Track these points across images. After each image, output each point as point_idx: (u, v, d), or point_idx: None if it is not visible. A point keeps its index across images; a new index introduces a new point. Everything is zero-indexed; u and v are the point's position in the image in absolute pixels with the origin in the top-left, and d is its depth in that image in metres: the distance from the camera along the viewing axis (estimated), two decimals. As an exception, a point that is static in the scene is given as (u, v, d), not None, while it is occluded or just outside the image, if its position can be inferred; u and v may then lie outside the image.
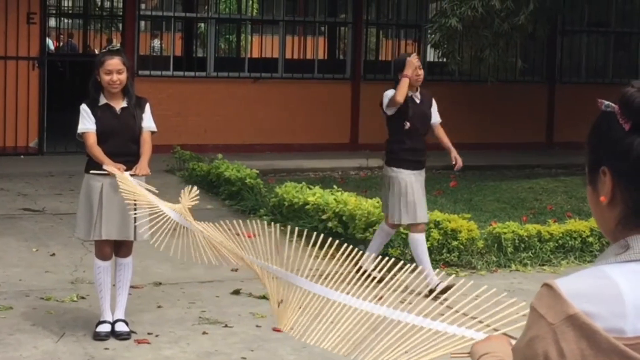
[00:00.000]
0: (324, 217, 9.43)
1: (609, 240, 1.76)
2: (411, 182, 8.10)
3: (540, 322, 1.63)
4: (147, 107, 6.78)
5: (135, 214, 5.71)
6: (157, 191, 5.58)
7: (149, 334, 6.74)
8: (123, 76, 6.61)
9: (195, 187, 4.95)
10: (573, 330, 1.58)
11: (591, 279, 1.65)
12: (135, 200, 5.62)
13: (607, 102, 1.75)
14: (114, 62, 6.58)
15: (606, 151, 1.73)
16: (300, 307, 3.30)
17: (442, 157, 15.91)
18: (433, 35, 14.72)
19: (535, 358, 1.61)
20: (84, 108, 6.66)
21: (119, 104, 6.69)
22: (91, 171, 6.58)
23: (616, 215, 1.72)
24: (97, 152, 6.53)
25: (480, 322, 2.73)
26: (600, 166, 1.73)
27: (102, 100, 6.67)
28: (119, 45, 7.15)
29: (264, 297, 7.69)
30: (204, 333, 6.80)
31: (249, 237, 3.98)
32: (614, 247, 1.71)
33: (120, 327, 6.67)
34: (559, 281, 1.65)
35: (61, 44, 26.90)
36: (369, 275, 3.30)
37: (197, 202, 4.84)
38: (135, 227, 6.39)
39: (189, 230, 4.47)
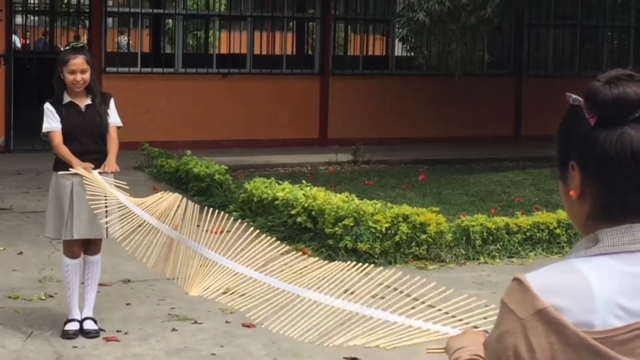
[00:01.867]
0: (293, 212, 9.41)
1: (580, 233, 1.75)
2: None
3: (510, 316, 1.62)
4: (112, 102, 6.74)
5: (106, 213, 5.66)
6: (127, 186, 5.55)
7: (117, 331, 6.71)
8: (87, 75, 6.56)
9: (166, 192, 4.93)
10: (542, 324, 1.58)
11: (561, 273, 1.65)
12: (105, 200, 5.58)
13: (574, 96, 1.75)
14: (78, 62, 6.52)
15: (573, 145, 1.72)
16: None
17: (410, 151, 16.00)
18: (401, 30, 14.75)
19: (505, 352, 1.61)
20: (47, 107, 6.60)
21: (84, 102, 6.64)
22: (59, 172, 6.51)
23: (586, 210, 1.72)
24: (64, 151, 6.47)
25: (447, 313, 2.73)
26: (569, 160, 1.73)
27: (66, 99, 6.62)
28: (82, 42, 7.07)
29: (231, 292, 7.67)
30: (174, 330, 6.78)
31: (216, 233, 3.96)
32: (584, 241, 1.71)
33: (89, 325, 6.63)
34: (529, 275, 1.65)
35: (27, 41, 26.70)
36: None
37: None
38: (106, 224, 6.34)
39: (154, 229, 4.44)
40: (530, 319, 1.59)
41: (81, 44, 6.86)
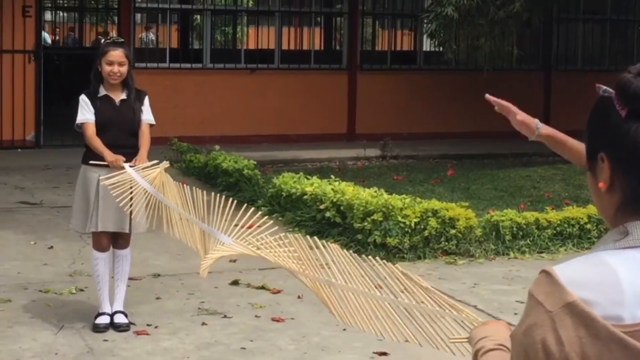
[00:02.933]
0: (321, 207, 9.42)
1: (609, 226, 1.75)
2: None
3: (538, 309, 1.62)
4: (146, 100, 6.79)
5: (131, 207, 5.71)
6: (157, 161, 5.64)
7: (148, 325, 6.75)
8: (124, 68, 6.62)
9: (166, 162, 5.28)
10: (571, 317, 1.58)
11: (589, 266, 1.65)
12: (131, 194, 5.63)
13: (604, 87, 1.74)
14: (117, 54, 6.58)
15: (604, 137, 1.72)
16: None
17: (438, 146, 15.97)
18: (429, 25, 14.73)
19: (533, 345, 1.61)
20: (83, 99, 6.66)
21: (119, 96, 6.69)
22: (90, 162, 6.56)
23: (615, 202, 1.72)
24: (97, 143, 6.53)
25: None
26: (598, 152, 1.72)
27: (102, 92, 6.68)
28: (122, 38, 7.14)
29: (263, 288, 7.71)
30: (203, 324, 6.81)
31: (248, 228, 4.00)
32: (612, 234, 1.70)
33: (119, 318, 6.67)
34: (557, 268, 1.64)
35: (57, 37, 26.85)
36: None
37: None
38: (130, 219, 6.38)
39: (184, 219, 4.48)
40: (559, 312, 1.59)
41: (121, 39, 6.94)
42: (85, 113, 6.63)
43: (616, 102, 1.70)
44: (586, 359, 1.57)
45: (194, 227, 4.40)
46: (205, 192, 4.35)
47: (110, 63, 6.57)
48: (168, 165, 5.50)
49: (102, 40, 7.40)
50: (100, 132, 6.58)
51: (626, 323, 1.58)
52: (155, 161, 5.96)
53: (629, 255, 1.64)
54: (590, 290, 1.60)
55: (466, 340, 2.21)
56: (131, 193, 5.65)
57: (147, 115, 6.75)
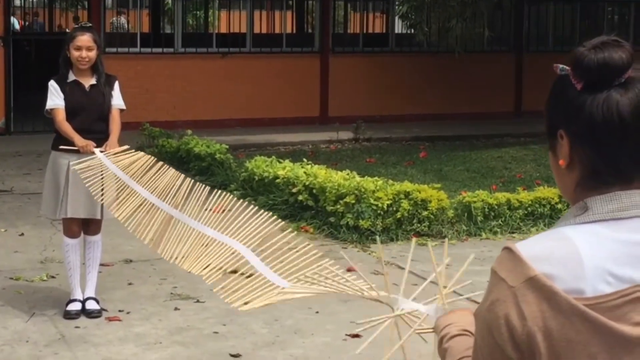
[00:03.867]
0: (294, 190, 9.42)
1: (569, 203, 1.76)
2: None
3: (500, 285, 1.63)
4: (117, 85, 6.75)
5: (102, 194, 5.69)
6: (129, 147, 5.65)
7: (120, 311, 6.73)
8: (93, 53, 6.57)
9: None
10: (533, 292, 1.59)
11: (550, 241, 1.65)
12: (102, 180, 5.63)
13: (561, 66, 1.75)
14: (85, 39, 6.54)
15: (561, 114, 1.73)
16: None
17: (411, 128, 15.99)
18: (401, 7, 14.73)
19: (496, 321, 1.62)
20: (52, 84, 6.62)
21: (88, 81, 6.65)
22: (60, 147, 6.52)
23: (575, 178, 1.73)
24: (67, 128, 6.49)
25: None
26: (557, 130, 1.73)
27: (71, 77, 6.63)
28: (90, 23, 7.11)
29: (235, 272, 7.68)
30: (176, 309, 6.79)
31: (217, 211, 4.00)
32: (573, 209, 1.71)
33: (91, 305, 6.64)
34: (519, 244, 1.65)
35: (26, 23, 26.63)
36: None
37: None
38: (102, 205, 6.35)
39: (154, 207, 4.47)
40: (521, 286, 1.60)
41: (89, 24, 6.90)
42: (55, 99, 6.58)
43: (572, 77, 1.70)
44: (548, 333, 1.57)
45: (159, 214, 4.39)
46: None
47: (79, 48, 6.53)
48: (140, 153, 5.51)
49: (79, 22, 7.41)
50: (70, 117, 6.55)
51: (587, 296, 1.59)
52: (126, 146, 5.98)
53: (589, 229, 1.65)
54: (551, 265, 1.60)
55: (432, 330, 2.22)
56: (102, 178, 5.63)
57: (117, 100, 6.71)
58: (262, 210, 3.81)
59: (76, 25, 6.91)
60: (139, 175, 5.14)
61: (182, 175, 4.88)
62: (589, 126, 1.67)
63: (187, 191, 4.45)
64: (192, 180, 4.66)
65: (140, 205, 4.83)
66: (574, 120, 1.70)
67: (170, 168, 5.07)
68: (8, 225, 9.17)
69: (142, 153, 5.49)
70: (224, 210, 4.04)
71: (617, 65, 1.67)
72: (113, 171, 5.49)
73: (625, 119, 1.65)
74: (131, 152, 5.67)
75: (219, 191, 4.44)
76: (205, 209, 4.24)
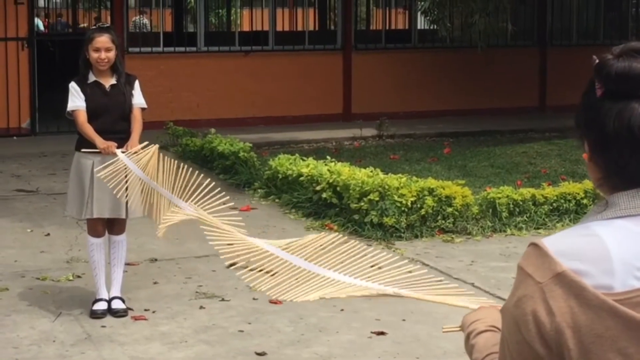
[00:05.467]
0: (318, 188, 9.41)
1: (599, 194, 1.76)
2: None
3: (527, 281, 1.61)
4: (137, 83, 6.76)
5: (126, 194, 5.70)
6: (147, 142, 5.69)
7: (145, 310, 6.74)
8: (111, 54, 6.58)
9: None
10: (561, 288, 1.57)
11: (578, 236, 1.64)
12: (126, 179, 5.65)
13: (598, 61, 1.73)
14: (103, 40, 6.55)
15: (584, 113, 1.72)
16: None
17: (435, 124, 15.95)
18: (423, 3, 14.68)
19: (524, 317, 1.60)
20: (73, 86, 6.64)
21: (108, 82, 6.66)
22: (82, 149, 6.56)
23: (598, 174, 1.72)
24: (88, 130, 6.51)
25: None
26: (581, 126, 1.73)
27: (92, 78, 6.65)
28: (108, 23, 7.14)
29: (261, 270, 7.68)
30: (201, 307, 6.80)
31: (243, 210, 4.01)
32: (596, 207, 1.71)
33: (117, 304, 6.66)
34: (546, 240, 1.64)
35: (51, 23, 26.70)
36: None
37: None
38: (127, 204, 6.36)
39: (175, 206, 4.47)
40: (549, 282, 1.58)
41: (107, 24, 6.92)
42: (76, 100, 6.60)
43: (596, 81, 1.69)
44: (577, 329, 1.56)
45: (180, 212, 4.39)
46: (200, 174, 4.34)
47: (97, 50, 6.54)
48: (157, 147, 5.53)
49: (100, 22, 7.42)
50: (91, 118, 6.56)
51: (617, 291, 1.57)
52: (145, 142, 6.01)
53: (616, 224, 1.64)
54: (579, 260, 1.59)
55: (459, 329, 2.20)
56: (126, 180, 5.65)
57: (138, 99, 6.72)
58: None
59: (94, 26, 6.92)
60: (158, 173, 5.15)
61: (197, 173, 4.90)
62: (600, 134, 1.67)
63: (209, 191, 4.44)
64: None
65: (162, 205, 4.83)
66: (590, 124, 1.69)
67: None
68: (34, 226, 9.20)
69: (154, 148, 5.51)
70: (249, 209, 4.05)
71: (637, 76, 1.64)
72: (136, 173, 5.50)
73: (635, 134, 1.63)
74: (148, 149, 5.70)
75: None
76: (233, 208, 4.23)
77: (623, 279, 1.58)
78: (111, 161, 5.99)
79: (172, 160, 5.09)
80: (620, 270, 1.58)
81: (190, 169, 5.04)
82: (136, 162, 5.56)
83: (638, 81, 1.64)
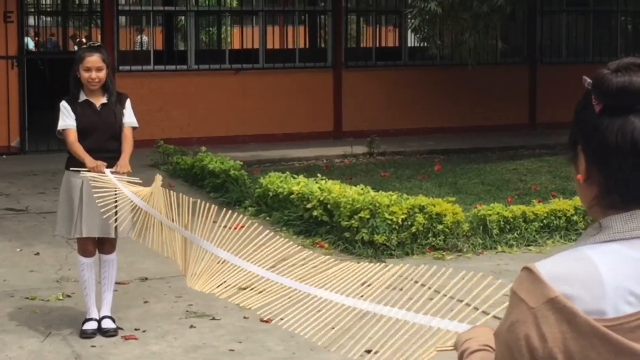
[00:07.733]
0: (308, 206, 9.40)
1: (590, 217, 1.74)
2: None
3: (520, 306, 1.61)
4: (128, 102, 6.75)
5: (116, 213, 5.69)
6: (141, 181, 5.63)
7: (136, 329, 6.71)
8: (102, 74, 6.57)
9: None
10: (554, 313, 1.57)
11: (570, 260, 1.63)
12: (115, 199, 5.64)
13: (589, 80, 1.73)
14: (93, 59, 6.54)
15: (581, 130, 1.71)
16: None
17: (425, 141, 15.96)
18: (413, 20, 14.70)
19: (516, 342, 1.60)
20: (63, 105, 6.63)
21: (99, 100, 6.65)
22: (71, 168, 6.54)
23: (592, 193, 1.71)
24: (78, 149, 6.50)
25: (468, 304, 2.72)
26: (577, 144, 1.72)
27: (82, 97, 6.64)
28: (98, 42, 7.13)
29: (251, 289, 7.66)
30: (191, 327, 6.77)
31: (235, 228, 4.00)
32: (589, 229, 1.70)
33: (107, 324, 6.63)
34: (539, 264, 1.63)
35: (41, 41, 26.73)
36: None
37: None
38: (116, 224, 6.34)
39: (167, 227, 4.46)
40: (542, 307, 1.58)
41: (97, 43, 6.91)
42: (66, 119, 6.59)
43: (593, 97, 1.68)
44: (569, 355, 1.55)
45: (175, 235, 4.38)
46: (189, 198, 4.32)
47: (88, 69, 6.53)
48: (161, 180, 5.49)
49: (77, 40, 7.40)
50: (82, 137, 6.55)
51: (609, 317, 1.56)
52: (137, 179, 5.97)
53: (608, 248, 1.63)
54: (572, 285, 1.58)
55: (452, 349, 2.19)
56: (115, 199, 5.65)
57: (129, 119, 6.71)
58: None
59: (84, 46, 6.91)
60: (153, 199, 5.14)
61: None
62: (602, 149, 1.66)
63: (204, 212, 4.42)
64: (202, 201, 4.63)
65: (152, 226, 4.82)
66: (589, 140, 1.68)
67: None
68: (23, 245, 9.17)
69: (159, 181, 5.46)
70: (238, 227, 4.04)
71: (637, 90, 1.64)
72: (125, 192, 5.49)
73: (638, 148, 1.62)
74: (138, 183, 5.70)
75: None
76: (223, 227, 4.22)
77: (615, 304, 1.57)
78: (99, 176, 6.01)
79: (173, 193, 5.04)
80: (612, 295, 1.58)
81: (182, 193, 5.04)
82: (135, 192, 5.55)
83: (637, 95, 1.64)
